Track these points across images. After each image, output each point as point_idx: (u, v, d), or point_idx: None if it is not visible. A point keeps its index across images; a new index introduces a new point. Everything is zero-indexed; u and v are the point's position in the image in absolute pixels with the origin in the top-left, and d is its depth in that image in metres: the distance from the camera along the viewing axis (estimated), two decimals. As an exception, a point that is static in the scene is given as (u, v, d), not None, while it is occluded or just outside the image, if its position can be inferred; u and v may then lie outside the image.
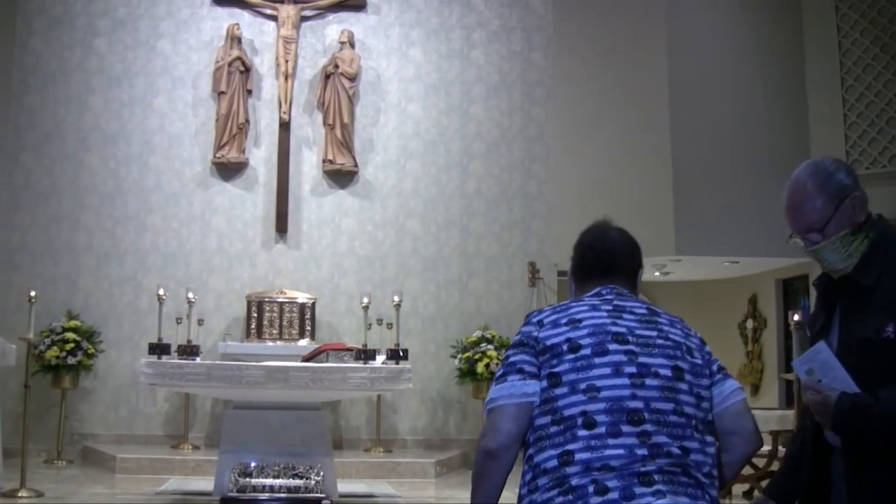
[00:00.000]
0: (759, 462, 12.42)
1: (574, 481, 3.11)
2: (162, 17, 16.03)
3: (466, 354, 14.81)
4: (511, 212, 15.95)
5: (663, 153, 14.69)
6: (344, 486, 11.10)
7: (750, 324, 16.67)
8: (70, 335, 14.37)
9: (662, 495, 3.07)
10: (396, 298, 13.62)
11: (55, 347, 14.22)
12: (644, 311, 3.48)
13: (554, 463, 3.17)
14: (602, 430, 3.15)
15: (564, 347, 3.30)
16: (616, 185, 14.94)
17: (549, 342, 3.34)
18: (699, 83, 14.92)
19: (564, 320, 3.40)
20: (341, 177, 15.84)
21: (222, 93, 15.63)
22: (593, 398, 3.20)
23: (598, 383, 3.22)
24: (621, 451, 3.12)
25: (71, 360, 14.23)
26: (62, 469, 13.66)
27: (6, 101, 15.45)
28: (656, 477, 3.11)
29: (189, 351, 11.61)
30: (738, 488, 12.55)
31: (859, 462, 3.58)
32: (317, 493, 10.03)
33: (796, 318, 9.93)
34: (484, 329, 15.11)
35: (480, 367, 14.52)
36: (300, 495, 10.01)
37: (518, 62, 16.33)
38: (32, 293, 11.42)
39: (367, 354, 11.42)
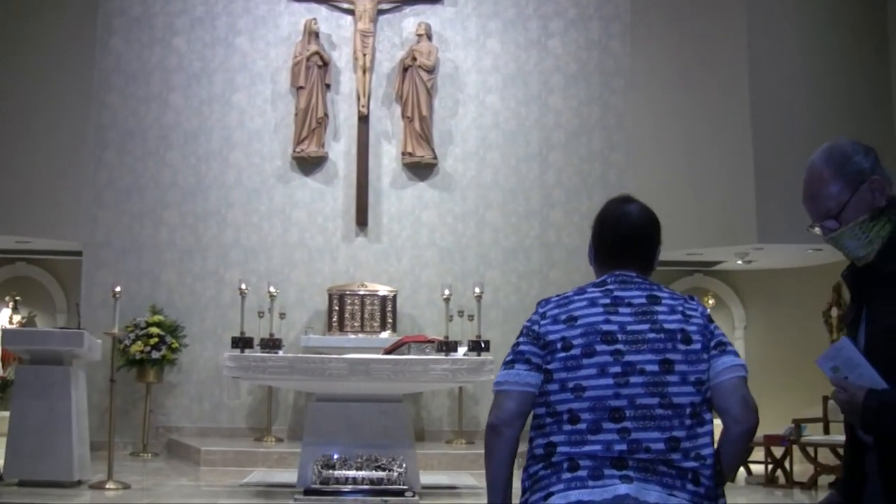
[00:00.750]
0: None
1: (555, 459, 3.39)
2: (239, 14, 16.14)
3: (548, 346, 14.72)
4: (591, 202, 15.79)
5: (744, 140, 14.47)
6: (426, 478, 11.08)
7: (834, 312, 16.39)
8: (154, 330, 14.55)
9: (629, 480, 3.29)
10: (477, 290, 13.60)
11: (140, 342, 14.41)
12: (643, 300, 3.58)
13: (541, 451, 3.46)
14: (583, 426, 3.39)
15: (559, 346, 3.50)
16: (697, 174, 14.78)
17: (548, 338, 3.55)
18: (780, 67, 14.67)
19: (563, 317, 3.57)
20: (421, 169, 15.84)
21: (301, 88, 15.71)
22: (579, 397, 3.42)
23: (584, 383, 3.43)
24: (598, 448, 3.35)
25: (155, 355, 14.41)
26: (148, 461, 13.84)
27: (88, 101, 15.65)
28: (630, 463, 3.32)
29: (272, 344, 11.67)
30: (823, 479, 12.37)
31: (892, 460, 3.40)
32: (399, 484, 10.03)
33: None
34: (565, 320, 15.00)
35: (562, 358, 14.40)
36: (383, 487, 10.01)
37: (596, 51, 16.22)
38: (117, 289, 11.54)
39: (448, 346, 11.40)
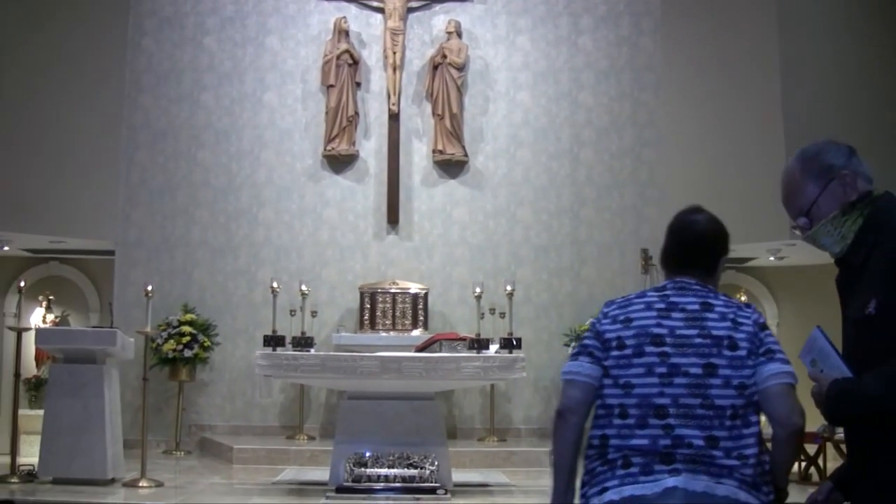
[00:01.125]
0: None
1: (610, 455, 3.68)
2: (269, 14, 16.17)
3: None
4: (622, 198, 15.78)
5: (776, 134, 14.36)
6: (458, 476, 11.05)
7: (868, 309, 16.28)
8: (186, 328, 14.60)
9: (678, 473, 3.53)
10: (509, 287, 13.59)
11: (172, 340, 14.46)
12: (696, 307, 3.84)
13: (597, 442, 3.75)
14: (632, 421, 3.67)
15: (614, 344, 3.81)
16: (729, 169, 14.68)
17: (605, 336, 3.86)
18: (812, 62, 14.57)
19: (622, 318, 3.87)
20: (451, 167, 15.83)
21: (331, 86, 15.73)
22: (628, 393, 3.72)
23: (633, 381, 3.72)
24: (645, 441, 3.62)
25: (187, 353, 14.46)
26: (181, 459, 13.90)
27: (120, 101, 15.73)
28: (677, 457, 3.57)
29: (303, 342, 11.69)
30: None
31: (858, 449, 3.48)
32: (431, 482, 10.04)
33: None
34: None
35: (594, 356, 14.31)
36: (415, 485, 10.02)
37: (626, 47, 16.16)
38: (149, 287, 11.58)
39: (480, 344, 11.39)
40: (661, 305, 3.85)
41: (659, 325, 3.78)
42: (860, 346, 3.42)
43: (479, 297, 13.62)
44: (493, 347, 11.63)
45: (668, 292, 3.91)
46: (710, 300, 3.85)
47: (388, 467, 10.07)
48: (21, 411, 12.30)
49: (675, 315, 3.80)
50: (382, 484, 10.01)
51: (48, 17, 14.84)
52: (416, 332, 14.78)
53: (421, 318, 15.11)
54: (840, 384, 3.36)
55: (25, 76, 14.51)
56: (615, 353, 3.79)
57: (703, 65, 15.42)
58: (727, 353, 3.68)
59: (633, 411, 3.68)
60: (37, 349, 15.24)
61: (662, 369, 3.69)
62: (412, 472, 10.05)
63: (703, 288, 3.92)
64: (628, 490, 3.58)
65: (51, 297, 16.28)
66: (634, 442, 3.63)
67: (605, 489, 3.63)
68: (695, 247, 4.01)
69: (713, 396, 3.63)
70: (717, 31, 15.32)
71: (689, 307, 3.82)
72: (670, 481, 3.52)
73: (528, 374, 12.12)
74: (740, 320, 3.77)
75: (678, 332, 3.75)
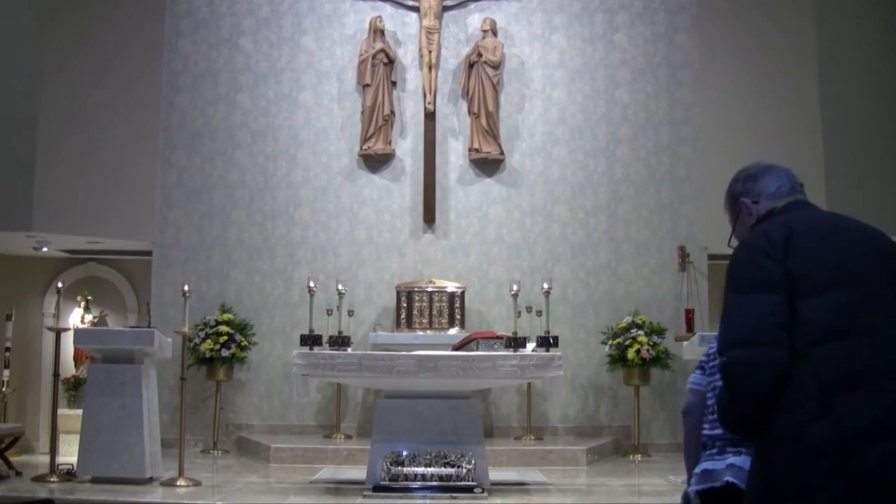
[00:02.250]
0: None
1: (706, 442, 4.59)
2: (305, 14, 16.20)
3: (617, 341, 14.58)
4: (659, 196, 15.71)
5: (814, 133, 14.29)
6: (495, 474, 11.06)
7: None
8: (223, 328, 14.62)
9: (739, 454, 4.39)
10: (546, 285, 13.54)
11: (209, 340, 14.49)
12: None
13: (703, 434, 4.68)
14: (715, 416, 4.38)
15: (710, 357, 4.71)
16: (767, 166, 14.58)
17: (708, 352, 4.75)
18: (849, 58, 14.47)
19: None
20: (488, 165, 15.81)
21: (367, 85, 15.73)
22: (714, 395, 4.41)
23: (717, 384, 4.31)
24: (720, 431, 4.43)
25: (225, 353, 14.48)
26: (218, 459, 13.93)
27: (157, 102, 15.81)
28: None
29: (340, 342, 11.72)
30: None
31: None
32: (468, 481, 10.02)
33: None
34: (634, 315, 14.87)
35: (631, 354, 14.28)
36: (452, 483, 10.00)
37: (662, 44, 16.08)
38: (186, 287, 11.63)
39: (517, 342, 11.38)
40: None
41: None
42: None
43: (515, 296, 13.58)
44: (530, 346, 11.61)
45: None
46: None
47: (425, 466, 10.07)
48: (60, 411, 12.40)
49: None
50: (419, 483, 10.01)
51: (85, 20, 14.93)
52: (453, 331, 14.77)
53: (458, 316, 15.09)
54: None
55: (62, 78, 14.59)
56: (709, 364, 4.68)
57: (740, 61, 15.36)
58: None
59: (714, 408, 4.43)
60: (75, 349, 15.37)
61: None
62: (449, 470, 10.04)
63: None
64: (705, 465, 4.51)
65: (89, 298, 16.39)
66: (717, 431, 4.48)
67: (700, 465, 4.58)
68: None
69: None
70: (753, 26, 15.25)
71: None
72: (731, 459, 4.39)
73: (564, 372, 12.07)
74: None
75: None
